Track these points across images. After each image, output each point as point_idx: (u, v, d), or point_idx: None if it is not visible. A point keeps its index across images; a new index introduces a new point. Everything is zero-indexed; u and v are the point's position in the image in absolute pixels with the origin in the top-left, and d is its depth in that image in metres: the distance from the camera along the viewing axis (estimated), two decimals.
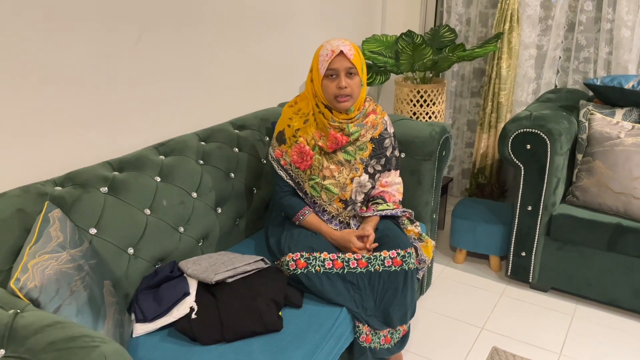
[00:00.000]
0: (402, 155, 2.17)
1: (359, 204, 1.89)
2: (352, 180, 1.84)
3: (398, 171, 1.98)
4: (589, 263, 2.27)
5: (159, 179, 1.73)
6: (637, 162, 2.16)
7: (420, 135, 2.15)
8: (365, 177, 1.85)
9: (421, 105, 2.75)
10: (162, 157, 1.80)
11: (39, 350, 0.83)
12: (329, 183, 1.81)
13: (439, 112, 2.79)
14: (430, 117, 2.76)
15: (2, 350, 0.84)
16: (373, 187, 1.91)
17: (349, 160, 1.83)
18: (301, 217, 1.82)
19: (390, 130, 1.94)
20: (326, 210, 1.86)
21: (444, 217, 3.04)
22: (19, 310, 0.95)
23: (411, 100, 2.76)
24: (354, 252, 1.75)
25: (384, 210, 1.88)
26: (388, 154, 1.91)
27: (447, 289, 2.49)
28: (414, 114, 2.76)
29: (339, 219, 1.89)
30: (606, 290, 2.27)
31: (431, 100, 2.74)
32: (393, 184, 1.95)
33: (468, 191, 3.20)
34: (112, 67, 1.71)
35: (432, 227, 2.28)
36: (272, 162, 1.86)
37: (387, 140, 1.91)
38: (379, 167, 1.89)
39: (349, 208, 1.86)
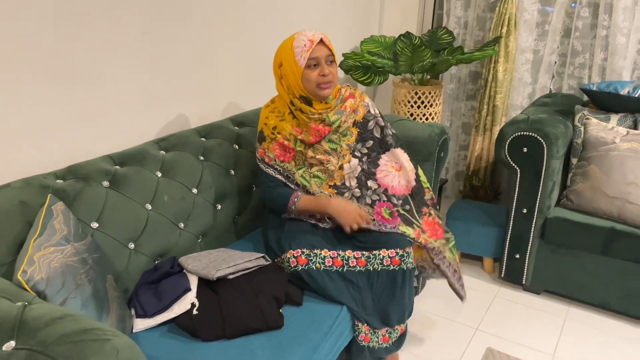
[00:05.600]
0: None
1: (356, 190, 1.86)
2: (341, 167, 1.84)
3: (399, 148, 1.93)
4: (582, 266, 2.30)
5: (160, 174, 1.71)
6: (632, 167, 2.19)
7: (419, 135, 2.16)
8: (354, 161, 1.85)
9: (418, 107, 2.76)
10: (162, 152, 1.79)
11: (51, 342, 0.82)
12: (317, 170, 1.82)
13: (436, 113, 2.80)
14: (427, 119, 2.78)
15: (12, 342, 0.83)
16: (364, 170, 1.88)
17: (334, 148, 1.83)
18: (295, 200, 1.79)
19: (375, 111, 1.93)
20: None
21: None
22: (27, 303, 0.94)
23: (408, 102, 2.77)
24: (356, 224, 1.74)
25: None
26: (377, 135, 1.91)
27: (441, 290, 2.49)
28: (411, 115, 2.78)
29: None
30: (598, 293, 2.30)
31: (428, 102, 2.76)
32: (403, 167, 1.93)
33: (462, 193, 3.23)
34: (114, 62, 1.70)
35: None
36: (259, 163, 1.85)
37: (371, 122, 1.91)
38: (365, 150, 1.89)
39: (345, 194, 1.85)
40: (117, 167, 1.64)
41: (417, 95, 2.75)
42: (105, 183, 1.56)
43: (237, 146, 2.03)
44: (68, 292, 1.09)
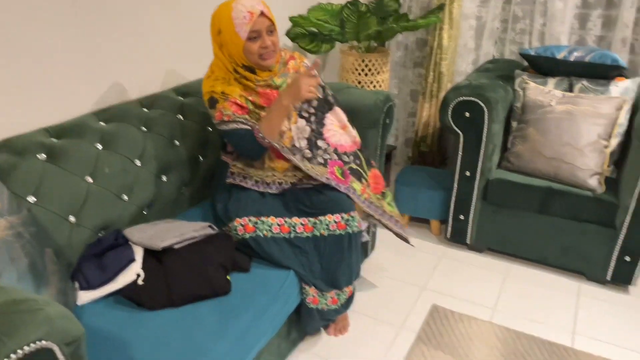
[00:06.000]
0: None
1: (307, 151, 1.87)
2: (290, 128, 1.85)
3: (339, 108, 1.99)
4: (521, 225, 2.41)
5: (100, 146, 1.68)
6: (567, 129, 2.29)
7: (365, 103, 2.18)
8: (302, 122, 1.87)
9: (366, 74, 2.79)
10: (102, 124, 1.75)
11: None
12: None
13: (383, 81, 2.83)
14: (374, 87, 2.81)
15: None
16: (313, 131, 1.90)
17: None
18: (261, 134, 1.73)
19: (314, 72, 1.95)
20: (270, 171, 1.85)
21: (388, 184, 3.12)
22: None
23: (356, 69, 2.78)
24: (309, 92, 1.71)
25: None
26: (320, 95, 1.94)
27: (391, 251, 2.58)
28: (359, 82, 2.80)
29: (282, 182, 1.88)
30: (537, 249, 2.42)
31: (376, 70, 2.78)
32: (346, 125, 1.98)
33: (411, 159, 3.30)
34: (45, 31, 1.63)
35: None
36: (221, 127, 1.75)
37: None
38: (312, 110, 1.91)
39: (297, 156, 1.84)
40: (54, 139, 1.60)
41: (365, 63, 2.76)
42: (42, 156, 1.53)
43: (181, 117, 2.00)
44: (2, 266, 1.07)
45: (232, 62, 1.76)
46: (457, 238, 2.61)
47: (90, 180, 1.61)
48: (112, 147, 1.70)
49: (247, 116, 1.77)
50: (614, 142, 2.33)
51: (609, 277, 2.31)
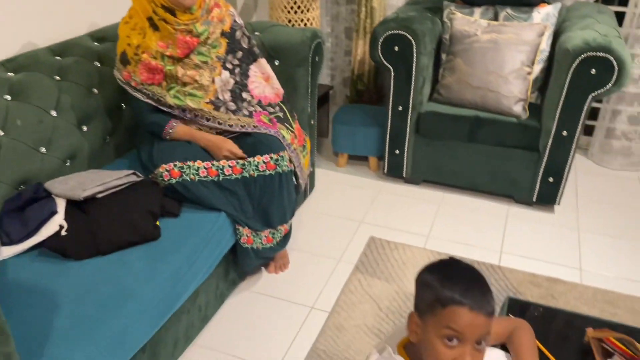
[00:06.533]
0: (276, 62, 2.18)
1: (231, 103, 1.85)
2: (213, 80, 1.81)
3: (263, 59, 1.96)
4: (453, 155, 2.48)
5: (9, 98, 1.60)
6: (492, 58, 2.33)
7: (291, 41, 2.15)
8: (225, 74, 1.83)
9: (295, 12, 2.73)
10: (10, 74, 1.66)
11: None
12: (191, 88, 1.78)
13: (313, 18, 2.78)
14: (305, 24, 2.76)
15: None
16: (237, 83, 1.87)
17: (205, 61, 1.79)
18: (170, 131, 1.79)
19: (240, 21, 1.91)
20: (198, 115, 1.82)
21: (327, 125, 3.13)
22: None
23: (285, 7, 2.72)
24: (227, 158, 1.77)
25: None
26: (245, 45, 1.90)
27: (330, 191, 2.62)
28: (289, 21, 2.74)
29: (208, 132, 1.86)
30: (469, 177, 2.51)
31: (305, 7, 2.72)
32: (270, 77, 1.96)
33: (349, 98, 3.30)
34: None
35: (310, 133, 2.35)
36: (123, 85, 1.77)
37: (238, 32, 1.89)
38: (236, 62, 1.87)
39: (221, 109, 1.83)
40: None
41: (294, 1, 2.70)
42: None
43: (98, 64, 1.92)
44: None
45: (150, 3, 1.68)
46: (393, 172, 2.67)
47: (1, 133, 1.54)
48: (22, 98, 1.63)
49: (156, 87, 1.75)
50: (537, 68, 2.40)
51: (535, 199, 2.43)
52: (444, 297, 0.90)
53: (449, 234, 2.29)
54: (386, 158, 2.64)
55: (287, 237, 1.95)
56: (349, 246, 2.22)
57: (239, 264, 1.86)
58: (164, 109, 1.79)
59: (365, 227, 2.35)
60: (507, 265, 2.09)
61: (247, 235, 1.79)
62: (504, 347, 1.13)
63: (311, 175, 2.51)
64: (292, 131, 1.94)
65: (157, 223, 1.58)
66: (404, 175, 2.65)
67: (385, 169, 2.67)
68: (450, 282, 0.91)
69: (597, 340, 1.16)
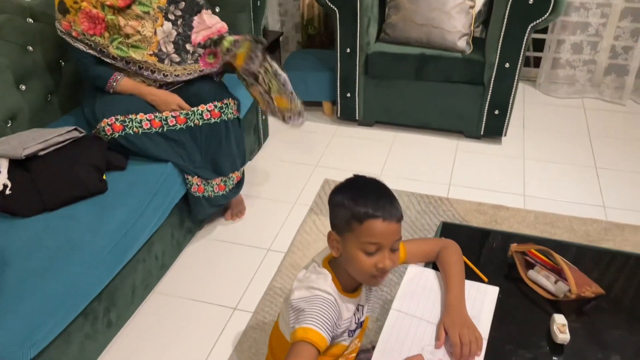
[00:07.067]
0: (217, 9, 2.15)
1: (174, 55, 1.83)
2: (155, 32, 1.79)
3: (209, 10, 1.92)
4: (402, 94, 2.52)
5: None
6: None
7: None
8: (168, 25, 1.81)
9: None
10: None
11: None
12: (134, 40, 1.75)
13: None
14: None
15: None
16: (180, 34, 1.84)
17: (146, 11, 1.76)
18: (114, 84, 1.77)
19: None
20: (142, 67, 1.81)
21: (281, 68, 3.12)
22: None
23: None
24: (172, 110, 1.77)
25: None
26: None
27: (284, 138, 2.65)
28: None
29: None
30: (419, 115, 2.57)
31: None
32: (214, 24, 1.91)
33: (301, 44, 3.28)
34: None
35: None
36: (64, 36, 1.74)
37: None
38: (179, 13, 1.84)
39: (165, 61, 1.81)
40: None
41: None
42: None
43: (31, 20, 1.87)
44: None
45: None
46: (347, 116, 2.70)
47: None
48: None
49: (98, 38, 1.72)
50: (479, 2, 2.42)
51: (482, 132, 2.51)
52: (359, 214, 0.97)
53: (401, 171, 2.36)
54: (338, 102, 2.67)
55: (240, 184, 1.99)
56: (304, 190, 2.27)
57: (193, 213, 1.89)
58: (107, 60, 1.77)
59: (320, 170, 2.40)
60: (455, 196, 2.18)
61: (197, 184, 1.82)
62: (435, 266, 1.21)
63: (264, 123, 2.53)
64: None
65: (104, 177, 1.59)
66: (357, 118, 2.68)
67: (338, 112, 2.70)
68: (361, 199, 0.98)
69: (520, 253, 1.25)
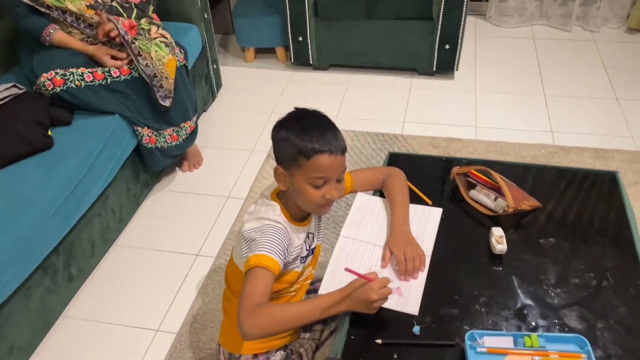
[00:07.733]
0: None
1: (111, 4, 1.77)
2: None
3: None
4: (354, 35, 2.50)
5: None
6: None
7: None
8: None
9: None
10: None
11: None
12: None
13: None
14: None
15: None
16: None
17: None
18: (47, 38, 1.71)
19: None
20: (80, 18, 1.74)
21: (231, 21, 3.05)
22: None
23: None
24: (109, 64, 1.72)
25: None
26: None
27: (239, 87, 2.62)
28: None
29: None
30: (372, 56, 2.56)
31: None
32: None
33: None
34: None
35: (206, 27, 2.30)
36: None
37: None
38: None
39: (103, 13, 1.75)
40: None
41: None
42: None
43: None
44: None
45: None
46: (301, 60, 2.68)
47: None
48: None
49: None
50: None
51: (435, 68, 2.53)
52: (306, 150, 0.98)
53: (356, 112, 2.38)
54: (291, 46, 2.64)
55: (193, 134, 1.97)
56: (261, 137, 2.27)
57: (148, 165, 1.89)
58: (42, 9, 1.69)
59: (276, 117, 2.32)
60: (409, 133, 2.22)
61: (148, 135, 1.80)
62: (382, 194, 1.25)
63: (216, 73, 2.49)
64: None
65: (49, 133, 1.57)
66: (311, 62, 2.66)
67: (292, 57, 2.68)
68: (307, 134, 0.98)
69: (462, 175, 1.29)
